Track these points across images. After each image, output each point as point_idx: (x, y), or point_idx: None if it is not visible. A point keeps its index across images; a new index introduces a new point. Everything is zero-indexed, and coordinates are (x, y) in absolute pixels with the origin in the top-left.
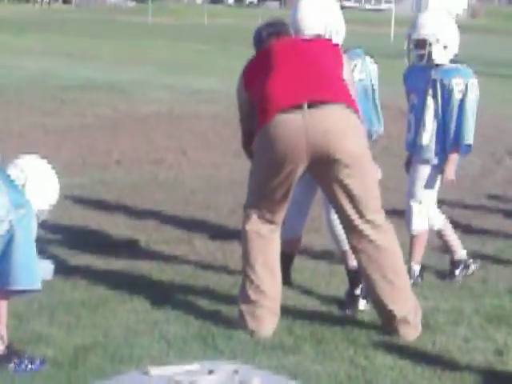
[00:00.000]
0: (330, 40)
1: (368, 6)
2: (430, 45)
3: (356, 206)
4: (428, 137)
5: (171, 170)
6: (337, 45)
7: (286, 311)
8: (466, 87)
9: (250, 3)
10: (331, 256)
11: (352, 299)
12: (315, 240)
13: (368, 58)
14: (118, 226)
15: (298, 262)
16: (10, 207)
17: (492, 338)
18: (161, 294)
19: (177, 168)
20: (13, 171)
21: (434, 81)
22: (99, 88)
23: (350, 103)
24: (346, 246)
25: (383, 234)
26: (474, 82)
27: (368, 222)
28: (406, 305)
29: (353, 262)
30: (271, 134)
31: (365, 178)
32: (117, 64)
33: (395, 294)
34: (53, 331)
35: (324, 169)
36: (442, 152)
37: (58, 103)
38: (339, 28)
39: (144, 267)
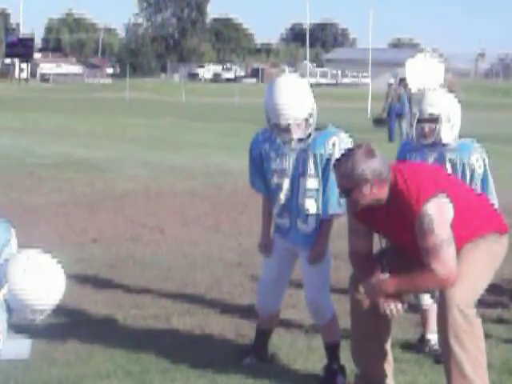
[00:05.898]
0: None
1: (345, 80)
2: (441, 123)
3: None
4: None
5: (148, 247)
6: None
7: None
8: (484, 161)
9: (228, 80)
10: (309, 332)
11: (330, 374)
12: (293, 316)
13: (343, 134)
14: (95, 304)
15: (276, 337)
16: None
17: None
18: (138, 372)
19: (154, 245)
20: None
21: (452, 160)
22: (77, 165)
23: None
24: None
25: None
26: (485, 156)
27: None
28: None
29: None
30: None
31: None
32: (94, 141)
33: None
34: None
35: None
36: None
37: (35, 180)
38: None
39: (121, 344)
